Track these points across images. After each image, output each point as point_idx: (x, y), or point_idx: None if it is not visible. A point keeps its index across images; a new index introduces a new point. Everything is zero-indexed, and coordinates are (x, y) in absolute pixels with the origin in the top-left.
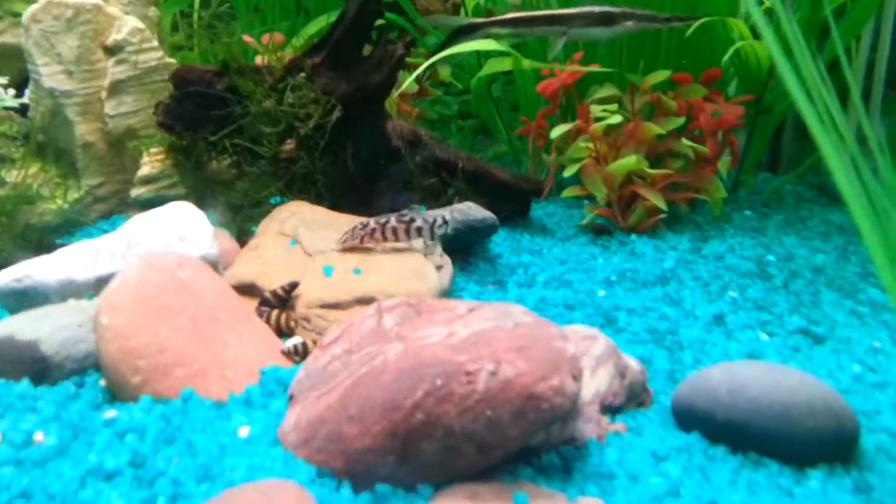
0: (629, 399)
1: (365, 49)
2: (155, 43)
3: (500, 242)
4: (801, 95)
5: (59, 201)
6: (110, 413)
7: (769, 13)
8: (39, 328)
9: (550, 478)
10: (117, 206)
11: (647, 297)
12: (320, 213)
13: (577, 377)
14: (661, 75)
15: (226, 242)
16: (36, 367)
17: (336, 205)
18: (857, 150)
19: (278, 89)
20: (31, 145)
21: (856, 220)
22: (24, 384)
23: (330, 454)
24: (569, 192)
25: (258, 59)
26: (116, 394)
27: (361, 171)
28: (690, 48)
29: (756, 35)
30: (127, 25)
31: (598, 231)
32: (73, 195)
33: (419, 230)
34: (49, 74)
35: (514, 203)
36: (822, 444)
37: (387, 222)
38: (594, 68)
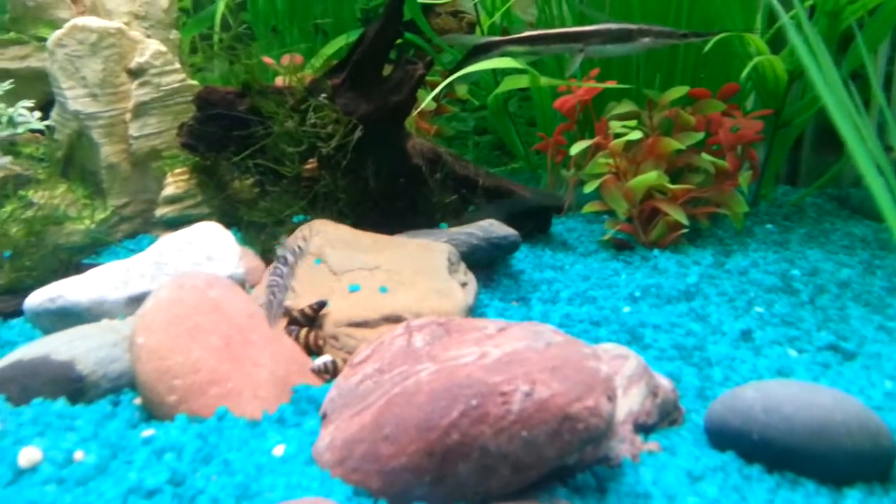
0: (661, 418)
1: (384, 69)
2: (177, 65)
3: (522, 259)
4: (836, 108)
5: (87, 221)
6: (148, 432)
7: (786, 28)
8: (75, 348)
9: (585, 497)
10: (142, 225)
11: (672, 313)
12: (343, 230)
13: (611, 397)
14: (680, 91)
15: (250, 261)
16: (72, 387)
17: (358, 223)
18: (885, 162)
19: (300, 110)
20: (56, 166)
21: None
22: (61, 403)
23: (366, 473)
24: (589, 208)
25: (279, 80)
26: (152, 412)
27: (382, 190)
28: (707, 63)
29: (773, 50)
30: (149, 49)
31: (620, 246)
32: (100, 215)
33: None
34: (74, 97)
35: (534, 219)
36: (859, 464)
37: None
38: (611, 84)
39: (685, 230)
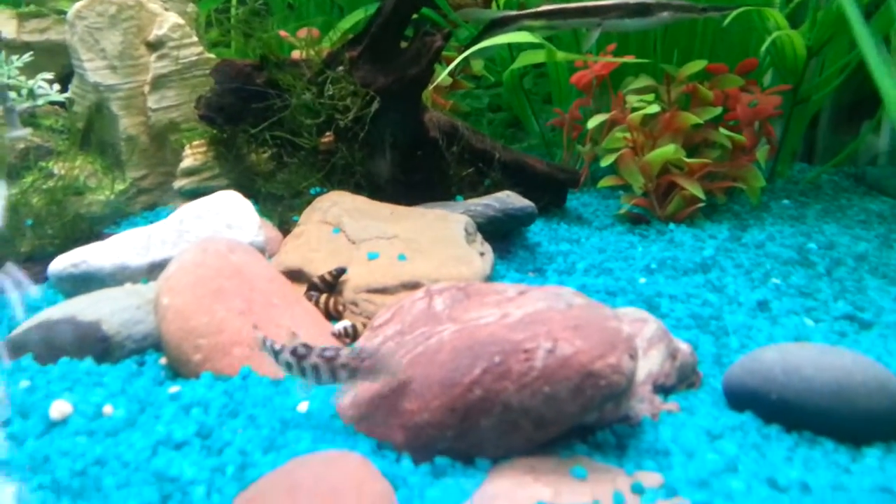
0: (680, 380)
1: (401, 44)
2: (195, 38)
3: (538, 231)
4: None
5: (107, 192)
6: (174, 388)
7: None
8: (100, 309)
9: (606, 454)
10: (160, 197)
11: (688, 285)
12: (361, 201)
13: (633, 356)
14: (698, 65)
15: (269, 231)
16: (99, 347)
17: (374, 195)
18: None
19: (317, 82)
20: (75, 138)
21: None
22: (88, 362)
23: (389, 428)
24: (605, 182)
25: (295, 54)
26: (178, 371)
27: (399, 162)
28: (726, 38)
29: (793, 25)
30: (168, 21)
31: (636, 220)
32: (119, 187)
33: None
34: (93, 70)
35: (550, 193)
36: (878, 423)
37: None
38: (629, 59)
39: (702, 204)
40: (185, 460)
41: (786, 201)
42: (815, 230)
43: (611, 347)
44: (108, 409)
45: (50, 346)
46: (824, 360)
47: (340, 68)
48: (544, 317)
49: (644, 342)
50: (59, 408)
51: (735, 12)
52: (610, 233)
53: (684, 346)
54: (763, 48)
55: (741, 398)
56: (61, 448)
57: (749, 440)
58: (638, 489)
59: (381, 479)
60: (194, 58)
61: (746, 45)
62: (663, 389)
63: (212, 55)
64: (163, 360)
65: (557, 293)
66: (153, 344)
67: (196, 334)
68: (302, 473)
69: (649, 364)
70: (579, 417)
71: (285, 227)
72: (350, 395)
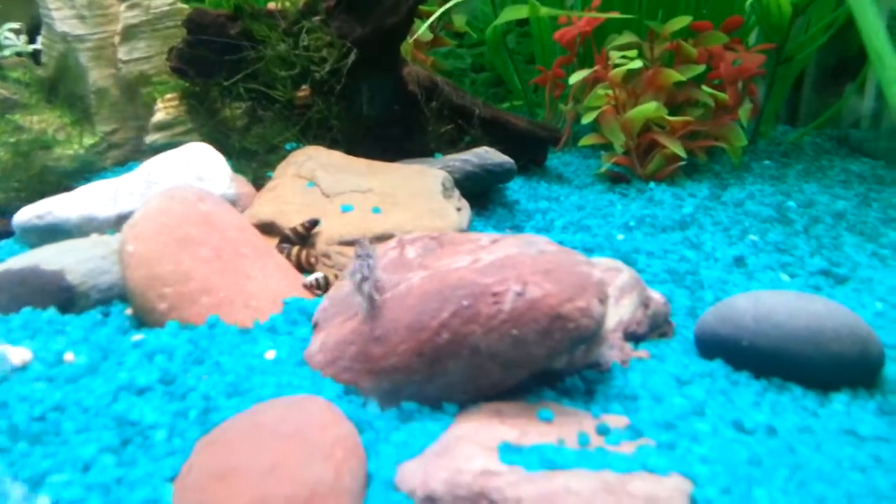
0: (652, 329)
1: None
2: None
3: (517, 189)
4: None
5: (76, 146)
6: (138, 336)
7: None
8: (64, 259)
9: (574, 399)
10: (132, 152)
11: (666, 241)
12: (336, 156)
13: (602, 300)
14: (682, 22)
15: (242, 187)
16: (62, 296)
17: (351, 150)
18: None
19: (293, 33)
20: (43, 90)
21: None
22: (51, 312)
23: (356, 373)
24: (586, 141)
25: (271, 4)
26: (143, 320)
27: (377, 117)
28: None
29: None
30: None
31: (616, 179)
32: (88, 141)
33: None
34: (62, 19)
35: (530, 151)
36: (847, 369)
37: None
38: (613, 15)
39: (682, 163)
40: (146, 405)
41: (767, 161)
42: (795, 189)
43: (580, 291)
44: (69, 356)
45: (12, 296)
46: (796, 305)
47: (317, 18)
48: (515, 261)
49: (616, 290)
50: (19, 354)
51: None
52: (590, 191)
53: (657, 296)
54: (748, 4)
55: (712, 346)
56: (20, 394)
57: (717, 386)
58: (603, 430)
59: (345, 422)
60: (166, 7)
61: (731, 2)
62: (634, 337)
63: (185, 5)
64: (128, 311)
65: (530, 241)
66: (119, 294)
67: (161, 282)
68: (265, 416)
69: (621, 312)
70: (547, 361)
71: (259, 183)
72: (318, 341)
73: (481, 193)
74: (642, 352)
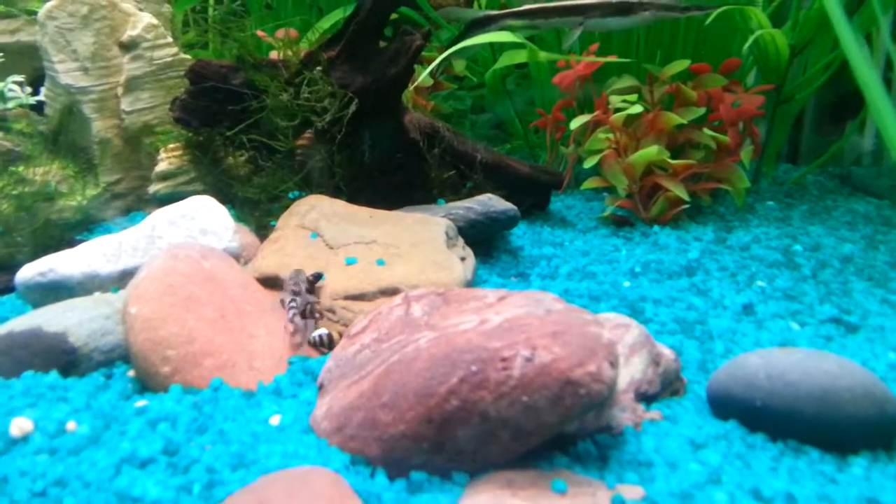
0: (663, 387)
1: (380, 43)
2: (169, 39)
3: (521, 235)
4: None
5: (78, 198)
6: (141, 402)
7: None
8: (67, 320)
9: (587, 466)
10: (135, 202)
11: (673, 288)
12: (339, 205)
13: (613, 363)
14: (680, 65)
15: (245, 237)
16: (64, 359)
17: (354, 198)
18: None
19: (294, 83)
20: (47, 142)
21: None
22: (53, 375)
23: (364, 441)
24: (589, 184)
25: (273, 54)
26: (146, 384)
27: (379, 165)
28: (709, 38)
29: (776, 24)
30: (142, 22)
31: (620, 223)
32: (91, 192)
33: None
34: (65, 71)
35: (533, 195)
36: (864, 430)
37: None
38: (612, 59)
39: (686, 206)
40: (149, 479)
41: (771, 202)
42: (801, 232)
43: (591, 354)
44: (71, 425)
45: (14, 360)
46: (809, 364)
47: (318, 69)
48: (523, 323)
49: (626, 348)
50: (20, 425)
51: (717, 11)
52: (594, 235)
53: (667, 352)
54: (745, 47)
55: (725, 405)
56: (21, 468)
57: (733, 450)
58: (618, 502)
59: (353, 497)
60: (169, 59)
61: (729, 44)
62: (646, 397)
63: (187, 56)
64: (131, 373)
65: (537, 299)
66: (122, 356)
67: (165, 345)
68: (271, 491)
69: (631, 371)
70: (559, 427)
71: (262, 233)
72: (324, 406)
73: (485, 240)
74: (654, 413)
